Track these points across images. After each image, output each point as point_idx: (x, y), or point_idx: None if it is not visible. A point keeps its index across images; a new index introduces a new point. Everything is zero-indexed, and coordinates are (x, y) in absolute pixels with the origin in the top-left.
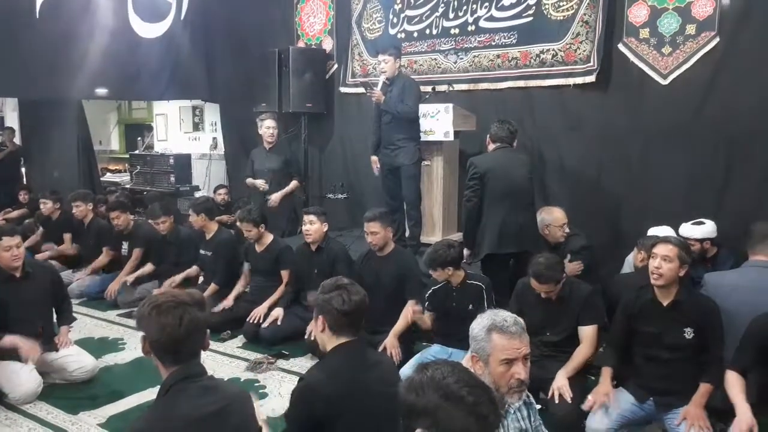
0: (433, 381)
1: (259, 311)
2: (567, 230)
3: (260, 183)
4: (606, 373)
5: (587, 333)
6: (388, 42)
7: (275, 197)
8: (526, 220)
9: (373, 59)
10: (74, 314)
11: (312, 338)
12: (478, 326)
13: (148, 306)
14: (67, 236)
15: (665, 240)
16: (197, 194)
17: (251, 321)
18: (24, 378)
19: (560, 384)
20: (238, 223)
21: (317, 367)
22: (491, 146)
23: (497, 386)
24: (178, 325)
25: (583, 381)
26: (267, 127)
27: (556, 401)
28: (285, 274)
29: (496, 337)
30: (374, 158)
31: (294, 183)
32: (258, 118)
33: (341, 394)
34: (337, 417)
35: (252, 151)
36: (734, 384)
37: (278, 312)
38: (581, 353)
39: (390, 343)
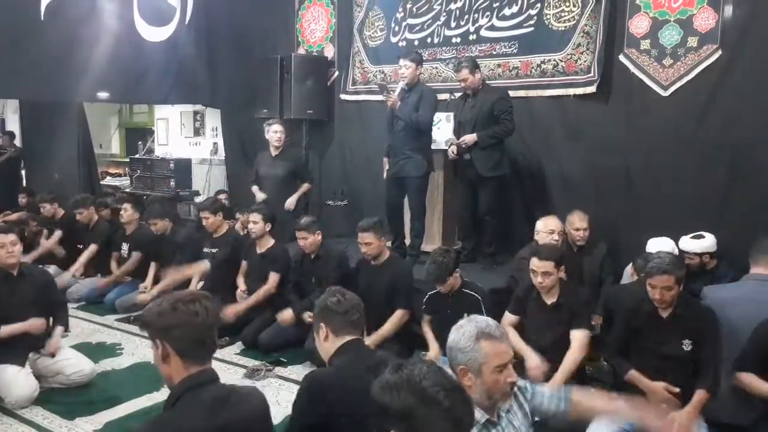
0: (409, 382)
1: (235, 309)
2: (556, 238)
3: (261, 196)
4: (637, 375)
5: (577, 336)
6: (391, 50)
7: (291, 201)
8: None
9: (374, 66)
10: (72, 318)
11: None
12: (462, 337)
13: (169, 302)
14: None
15: (659, 270)
16: (197, 199)
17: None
18: (20, 382)
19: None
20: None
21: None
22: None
23: (491, 394)
24: (206, 313)
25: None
26: (274, 132)
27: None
28: (272, 276)
29: (486, 345)
30: (386, 159)
31: (305, 186)
32: (265, 123)
33: (348, 389)
34: (341, 412)
35: (258, 156)
36: (754, 379)
37: (287, 314)
38: (571, 359)
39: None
